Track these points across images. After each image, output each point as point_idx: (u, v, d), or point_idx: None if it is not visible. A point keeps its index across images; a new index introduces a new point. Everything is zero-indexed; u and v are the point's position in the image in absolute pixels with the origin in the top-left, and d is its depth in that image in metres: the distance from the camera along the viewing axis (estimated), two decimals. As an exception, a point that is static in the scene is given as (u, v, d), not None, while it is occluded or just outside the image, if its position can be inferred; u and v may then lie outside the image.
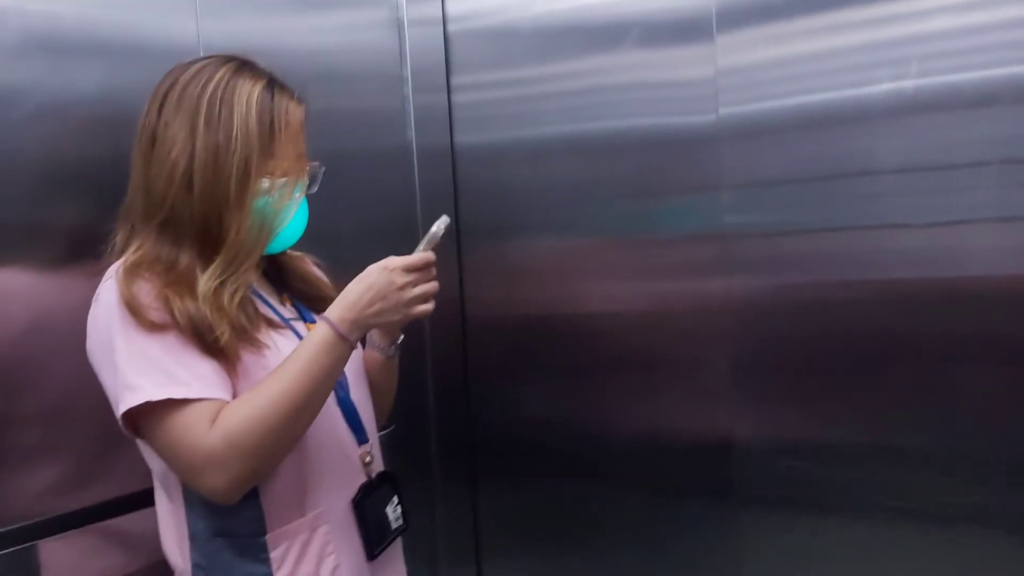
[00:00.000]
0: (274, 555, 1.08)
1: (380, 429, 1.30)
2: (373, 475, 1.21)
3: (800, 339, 1.51)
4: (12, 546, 1.12)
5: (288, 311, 1.21)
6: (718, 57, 1.54)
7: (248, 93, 1.10)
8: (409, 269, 1.11)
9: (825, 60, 1.45)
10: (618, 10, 1.63)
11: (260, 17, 1.45)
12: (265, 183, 1.11)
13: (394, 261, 1.11)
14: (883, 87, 1.41)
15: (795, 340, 1.52)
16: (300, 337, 1.15)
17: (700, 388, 1.62)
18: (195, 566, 1.09)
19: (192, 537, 1.09)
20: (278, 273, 1.25)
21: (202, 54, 1.27)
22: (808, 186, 1.48)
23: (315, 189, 1.19)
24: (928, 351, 1.41)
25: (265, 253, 1.16)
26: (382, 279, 1.09)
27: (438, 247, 1.18)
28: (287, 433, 1.04)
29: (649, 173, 1.64)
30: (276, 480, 1.09)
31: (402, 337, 1.30)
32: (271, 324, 1.13)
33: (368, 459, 1.20)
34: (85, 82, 1.18)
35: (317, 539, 1.12)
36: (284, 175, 1.13)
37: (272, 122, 1.11)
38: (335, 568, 1.13)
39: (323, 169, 1.19)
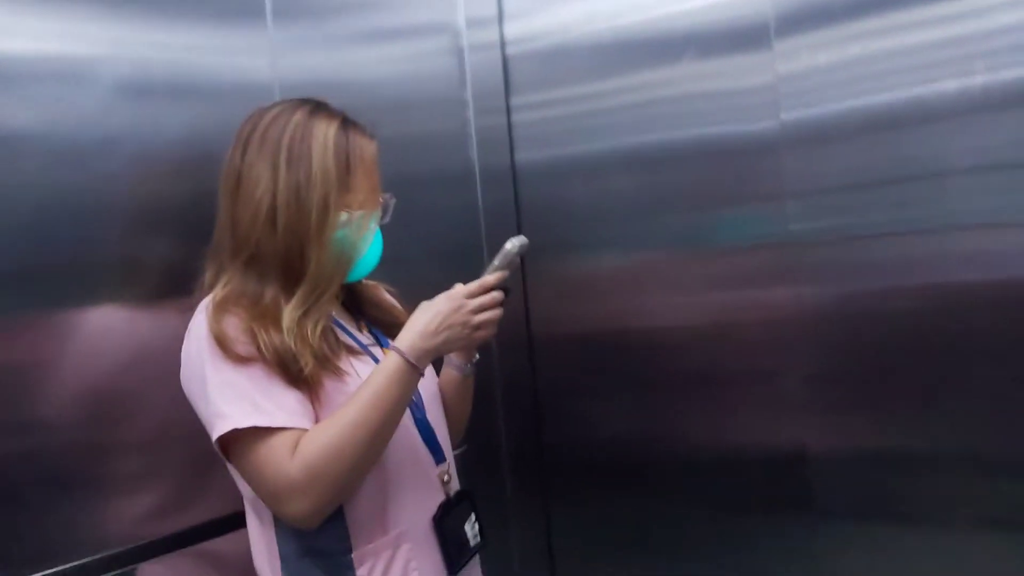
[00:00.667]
0: (360, 572, 1.12)
1: (454, 448, 1.33)
2: (451, 493, 1.24)
3: (872, 347, 1.50)
4: (113, 569, 1.18)
5: (366, 337, 1.26)
6: (777, 63, 1.54)
7: (324, 133, 1.16)
8: (472, 295, 1.16)
9: (886, 61, 1.44)
10: (675, 23, 1.65)
11: (329, 52, 1.52)
12: (343, 216, 1.16)
13: (458, 289, 1.17)
14: (948, 86, 1.39)
15: (866, 348, 1.50)
16: (377, 362, 1.19)
17: (771, 399, 1.61)
18: None
19: (283, 557, 1.14)
20: (355, 301, 1.31)
21: (278, 91, 1.35)
22: (874, 190, 1.47)
23: (388, 220, 1.24)
24: (1005, 355, 1.38)
25: (344, 283, 1.21)
26: (448, 306, 1.14)
27: (512, 266, 1.22)
28: (363, 459, 1.08)
29: (711, 183, 1.64)
30: (359, 499, 1.13)
31: (477, 356, 1.34)
32: (351, 351, 1.18)
33: (446, 478, 1.23)
34: (172, 126, 1.25)
35: (400, 557, 1.15)
36: (360, 208, 1.18)
37: (348, 159, 1.16)
38: None
39: (394, 200, 1.24)
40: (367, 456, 1.09)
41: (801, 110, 1.53)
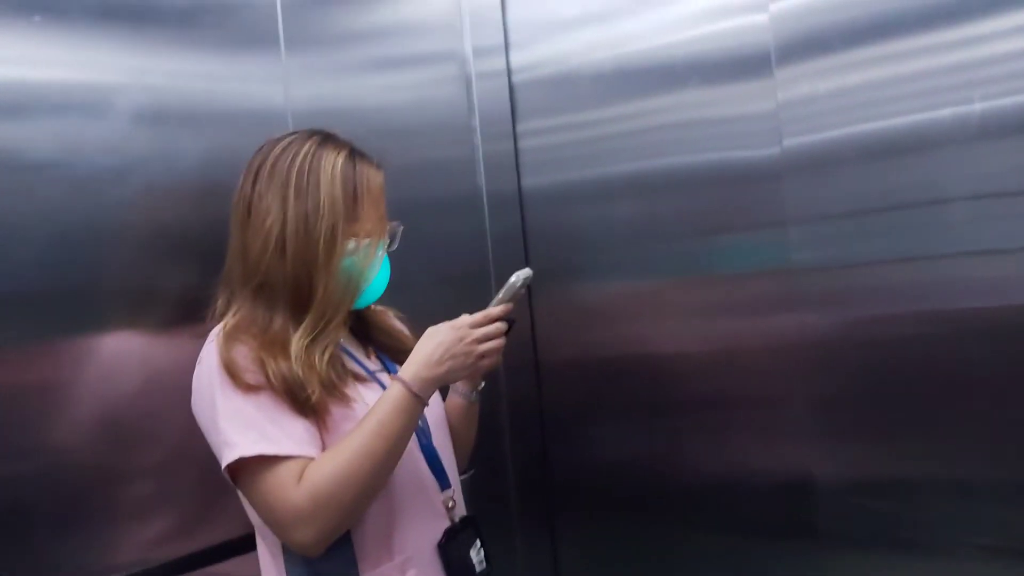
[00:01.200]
0: None
1: (460, 474, 1.35)
2: (456, 519, 1.25)
3: (875, 374, 1.50)
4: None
5: (373, 364, 1.28)
6: (778, 90, 1.56)
7: (332, 163, 1.19)
8: (476, 325, 1.18)
9: (886, 89, 1.46)
10: (676, 51, 1.67)
11: (340, 80, 1.55)
12: (351, 244, 1.19)
13: (463, 319, 1.19)
14: (946, 113, 1.40)
15: (869, 375, 1.50)
16: (384, 388, 1.21)
17: (775, 427, 1.62)
18: None
19: None
20: (364, 327, 1.33)
21: (290, 118, 1.38)
22: (875, 217, 1.48)
23: (395, 247, 1.27)
24: (1007, 382, 1.38)
25: (351, 309, 1.23)
26: (451, 337, 1.16)
27: (518, 297, 1.24)
28: (368, 488, 1.11)
29: (714, 209, 1.66)
30: (365, 525, 1.15)
31: (483, 384, 1.36)
32: (358, 378, 1.20)
33: (451, 504, 1.25)
34: (187, 154, 1.28)
35: None
36: (368, 236, 1.21)
37: (355, 188, 1.19)
38: None
39: (402, 228, 1.27)
40: (372, 484, 1.11)
41: (802, 137, 1.54)
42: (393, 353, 1.32)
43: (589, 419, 1.86)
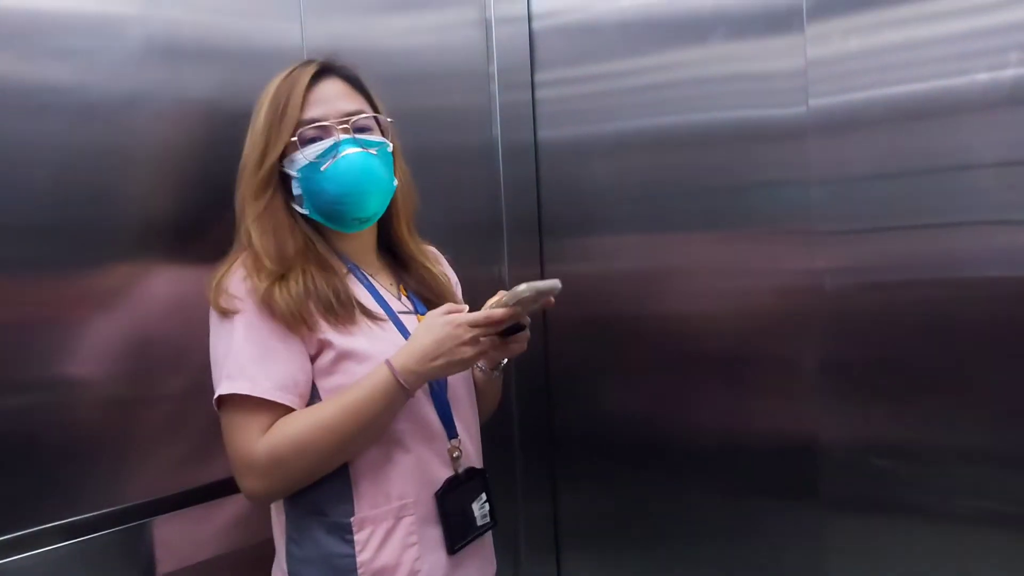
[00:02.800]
0: (358, 537, 1.15)
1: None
2: (460, 470, 1.25)
3: (890, 339, 1.50)
4: (129, 522, 1.23)
5: (402, 304, 1.28)
6: (808, 48, 1.53)
7: (269, 86, 1.20)
8: (474, 325, 1.15)
9: (919, 50, 1.43)
10: (704, 2, 1.64)
11: (357, 19, 1.53)
12: (296, 156, 1.18)
13: (460, 317, 1.16)
14: (980, 78, 1.38)
15: (885, 339, 1.50)
16: (403, 329, 1.22)
17: (783, 388, 1.62)
18: (289, 539, 1.19)
19: (288, 514, 1.19)
20: (401, 264, 1.33)
21: (306, 55, 1.37)
22: (901, 181, 1.46)
23: (358, 144, 1.20)
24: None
25: (336, 226, 1.22)
26: (446, 333, 1.14)
27: (529, 306, 1.19)
28: (326, 460, 1.13)
29: (735, 167, 1.64)
30: (363, 462, 1.17)
31: (505, 361, 1.33)
32: (367, 313, 1.20)
33: (456, 453, 1.25)
34: (200, 87, 1.28)
35: (401, 528, 1.18)
36: (310, 141, 1.19)
37: (286, 101, 1.18)
38: (416, 559, 1.18)
39: (366, 117, 1.23)
40: (331, 458, 1.14)
41: (830, 96, 1.52)
42: (424, 295, 1.31)
43: (595, 373, 1.87)
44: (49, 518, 1.14)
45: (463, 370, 1.20)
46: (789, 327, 1.60)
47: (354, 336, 1.16)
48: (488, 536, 1.32)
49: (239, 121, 1.21)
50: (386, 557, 1.16)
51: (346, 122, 1.20)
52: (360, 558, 1.15)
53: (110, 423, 1.21)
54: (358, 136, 1.20)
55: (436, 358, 1.13)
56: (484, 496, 1.28)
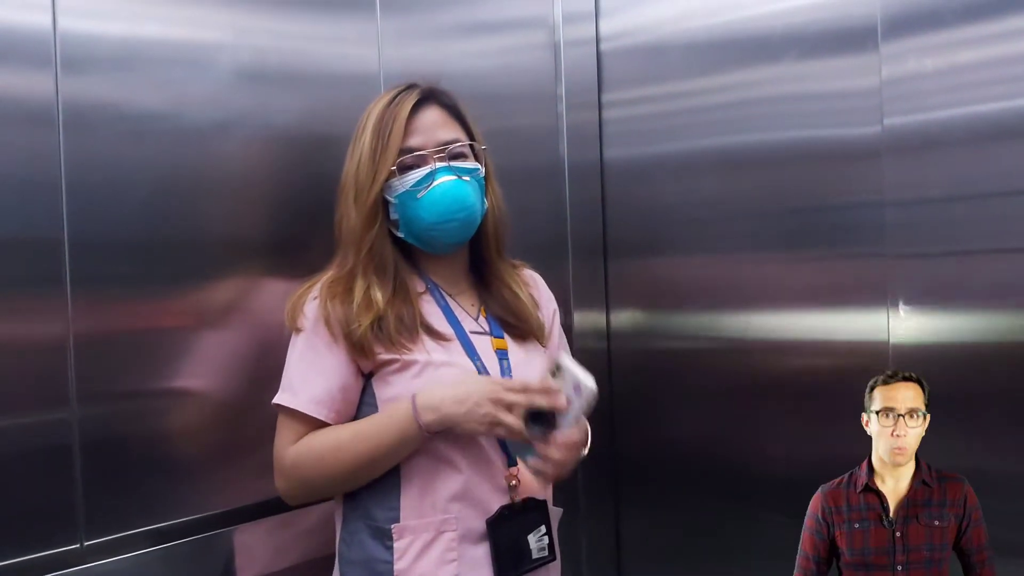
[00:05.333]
0: (398, 545, 1.20)
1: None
2: (517, 499, 1.25)
3: (967, 367, 1.48)
4: (211, 530, 1.30)
5: (478, 325, 1.31)
6: (883, 67, 1.53)
7: (371, 109, 1.26)
8: (512, 391, 1.17)
9: (996, 69, 1.44)
10: (774, 22, 1.66)
11: (431, 44, 1.61)
12: (394, 182, 1.25)
13: (503, 381, 1.21)
14: (1064, 97, 1.39)
15: (961, 367, 1.48)
16: (472, 352, 1.26)
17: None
18: (342, 540, 1.26)
19: (344, 515, 1.26)
20: (485, 285, 1.36)
21: (382, 80, 1.44)
22: (977, 203, 1.46)
23: (452, 173, 1.25)
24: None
25: (429, 249, 1.28)
26: (480, 385, 1.18)
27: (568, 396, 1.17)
28: (343, 476, 1.22)
29: (807, 188, 1.65)
30: (413, 474, 1.21)
31: (558, 366, 1.26)
32: (432, 333, 1.24)
33: (513, 482, 1.25)
34: (284, 111, 1.36)
35: (441, 542, 1.20)
36: (408, 169, 1.25)
37: (390, 127, 1.24)
38: None
39: (464, 146, 1.28)
40: (346, 476, 1.22)
41: (905, 116, 1.52)
42: (504, 318, 1.33)
43: (659, 398, 1.88)
44: (139, 524, 1.23)
45: (484, 432, 1.19)
46: (859, 353, 1.59)
47: (413, 353, 1.21)
48: (549, 569, 1.30)
49: (321, 144, 1.28)
50: (422, 568, 1.19)
51: (442, 151, 1.26)
52: (397, 566, 1.19)
53: (203, 432, 1.30)
54: (453, 164, 1.26)
55: (460, 403, 1.16)
56: (543, 529, 1.27)
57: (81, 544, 1.17)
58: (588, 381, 1.16)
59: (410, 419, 1.17)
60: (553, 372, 1.18)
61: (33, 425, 1.14)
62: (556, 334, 1.44)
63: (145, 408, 1.24)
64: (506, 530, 1.23)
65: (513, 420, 1.15)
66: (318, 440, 1.20)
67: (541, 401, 1.16)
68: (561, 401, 1.16)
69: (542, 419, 1.17)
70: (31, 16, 1.13)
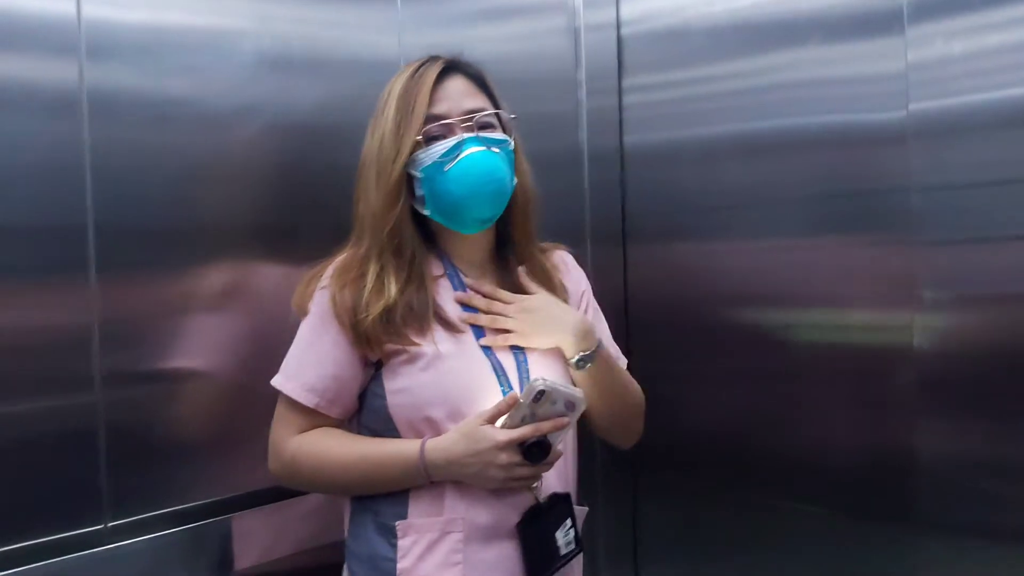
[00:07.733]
0: (402, 543, 1.19)
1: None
2: (540, 498, 1.23)
3: (995, 354, 1.48)
4: (209, 518, 1.33)
5: None
6: (909, 50, 1.53)
7: (394, 83, 1.25)
8: (509, 443, 1.15)
9: (1024, 53, 1.43)
10: (798, 5, 1.65)
11: (451, 29, 1.63)
12: (419, 154, 1.22)
13: (503, 436, 1.15)
14: (1094, 82, 1.38)
15: (989, 355, 1.48)
16: (486, 348, 1.25)
17: (880, 401, 1.61)
18: (349, 533, 1.28)
19: (351, 508, 1.28)
20: (510, 270, 1.33)
21: (402, 65, 1.45)
22: (1005, 189, 1.45)
23: (480, 142, 1.22)
24: None
25: (456, 227, 1.26)
26: (488, 451, 1.15)
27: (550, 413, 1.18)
28: (337, 489, 1.27)
29: (831, 173, 1.64)
30: None
31: (581, 353, 1.28)
32: (444, 323, 1.24)
33: (534, 484, 1.22)
34: (306, 97, 1.38)
35: (445, 544, 1.19)
36: (433, 141, 1.22)
37: (414, 100, 1.22)
38: None
39: (494, 113, 1.26)
40: (341, 490, 1.26)
41: (932, 101, 1.51)
42: None
43: (680, 385, 1.87)
44: (162, 505, 1.27)
45: (497, 487, 1.19)
46: (885, 339, 1.60)
47: (422, 345, 1.21)
48: (575, 563, 1.30)
49: (341, 130, 1.31)
50: (425, 569, 1.18)
51: (469, 120, 1.23)
52: (400, 564, 1.19)
53: (226, 415, 1.34)
54: (481, 134, 1.23)
55: (467, 465, 1.16)
56: (569, 522, 1.26)
57: (105, 524, 1.21)
58: (578, 394, 1.20)
59: (415, 466, 1.18)
60: (536, 399, 1.15)
61: (59, 408, 1.19)
62: (590, 315, 1.41)
63: (170, 391, 1.28)
64: (536, 531, 1.22)
65: (528, 471, 1.17)
66: (321, 447, 1.21)
67: (547, 429, 1.17)
68: (564, 422, 1.18)
69: (537, 445, 1.18)
70: (56, 4, 1.17)
